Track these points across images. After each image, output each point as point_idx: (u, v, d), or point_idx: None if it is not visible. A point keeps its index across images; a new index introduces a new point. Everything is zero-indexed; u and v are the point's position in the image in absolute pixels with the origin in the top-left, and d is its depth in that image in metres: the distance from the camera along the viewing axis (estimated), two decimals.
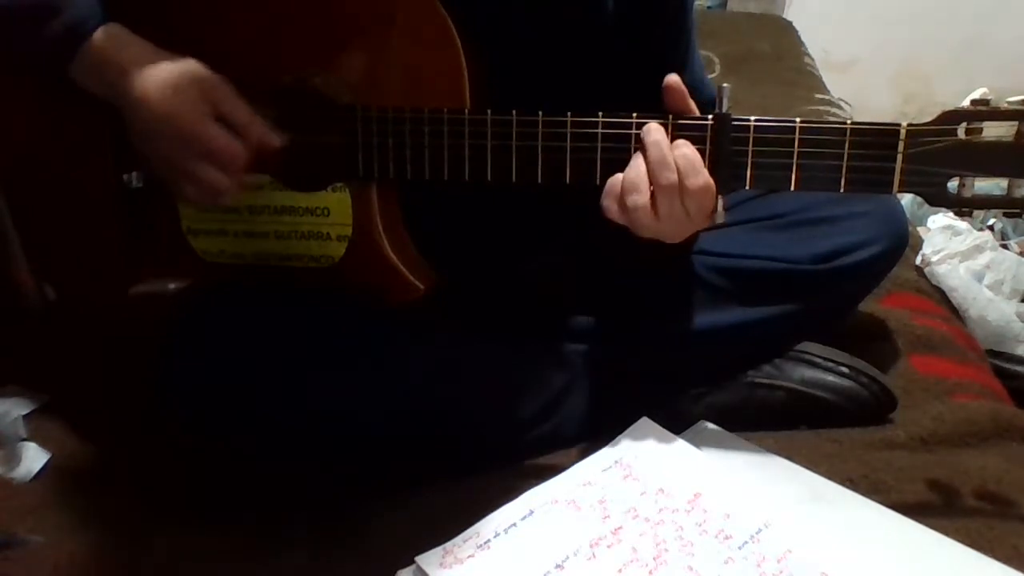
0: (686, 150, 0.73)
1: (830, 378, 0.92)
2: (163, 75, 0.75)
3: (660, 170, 0.73)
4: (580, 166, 0.77)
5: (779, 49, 2.10)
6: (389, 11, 0.78)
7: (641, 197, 0.73)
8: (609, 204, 0.75)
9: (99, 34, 0.75)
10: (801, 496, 0.79)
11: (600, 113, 0.76)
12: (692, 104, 0.76)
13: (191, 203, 0.83)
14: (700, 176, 0.73)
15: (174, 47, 0.76)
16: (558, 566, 0.72)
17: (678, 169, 0.73)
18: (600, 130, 0.76)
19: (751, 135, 0.74)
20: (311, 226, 0.84)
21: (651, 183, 0.73)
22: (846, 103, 2.00)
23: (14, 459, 0.87)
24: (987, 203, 0.76)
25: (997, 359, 1.29)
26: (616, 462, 0.83)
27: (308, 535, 0.79)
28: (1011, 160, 0.72)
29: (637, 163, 0.74)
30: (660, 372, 0.92)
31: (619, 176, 0.75)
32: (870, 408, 0.92)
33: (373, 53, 0.79)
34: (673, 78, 0.75)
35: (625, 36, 0.85)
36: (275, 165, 0.82)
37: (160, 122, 0.75)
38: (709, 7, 2.60)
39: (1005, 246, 1.60)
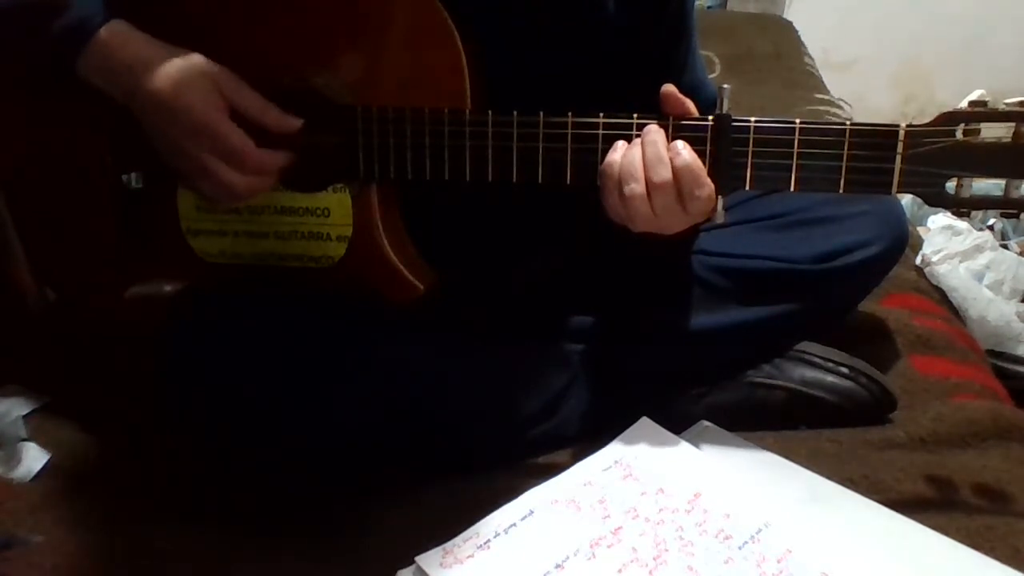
0: (686, 157, 0.73)
1: (830, 378, 0.92)
2: (173, 70, 0.75)
3: (655, 166, 0.73)
4: (581, 166, 0.77)
5: (779, 49, 2.10)
6: (389, 11, 0.78)
7: (638, 186, 0.73)
8: (609, 194, 0.75)
9: (104, 31, 0.75)
10: (801, 496, 0.79)
11: (600, 113, 0.76)
12: (691, 107, 0.76)
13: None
14: (701, 184, 0.73)
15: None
16: (558, 566, 0.72)
17: (676, 174, 0.73)
18: (600, 131, 0.76)
19: (751, 135, 0.74)
20: (311, 226, 0.84)
21: (646, 179, 0.73)
22: (846, 103, 2.00)
23: (14, 459, 0.87)
24: (985, 203, 0.77)
25: (997, 359, 1.29)
26: (616, 462, 0.83)
27: (307, 535, 0.79)
28: (1008, 161, 0.72)
29: (634, 152, 0.74)
30: (660, 372, 0.92)
31: (615, 158, 0.75)
32: (870, 408, 0.92)
33: (373, 53, 0.79)
34: (668, 87, 0.75)
35: (625, 36, 0.85)
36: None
37: (174, 118, 0.75)
38: (709, 7, 2.60)
39: (1005, 246, 1.60)
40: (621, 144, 0.75)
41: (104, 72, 0.76)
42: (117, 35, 0.75)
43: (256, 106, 0.77)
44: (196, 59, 0.75)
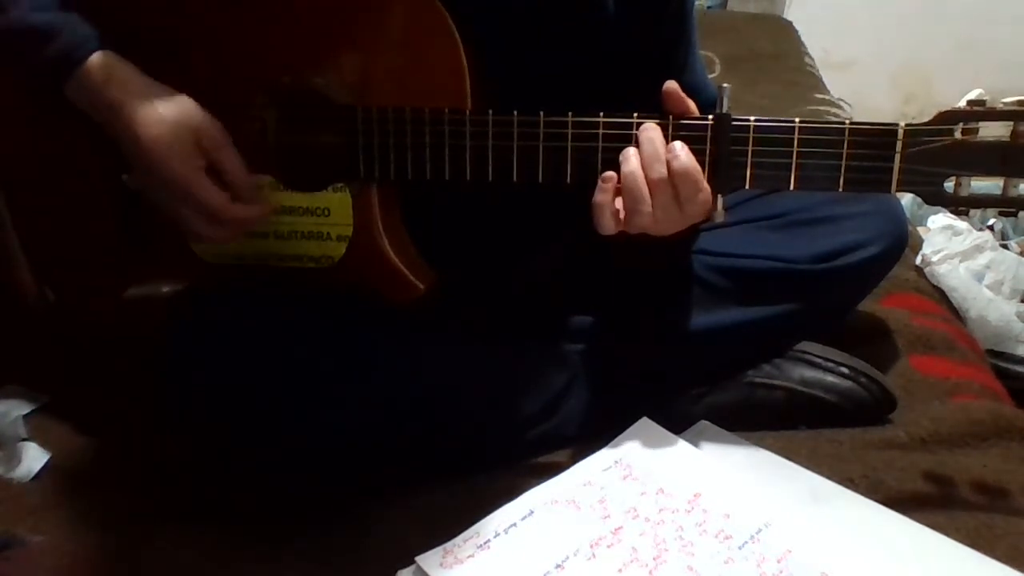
0: (684, 160, 0.73)
1: (830, 378, 0.92)
2: (156, 118, 0.74)
3: (652, 164, 0.73)
4: (580, 166, 0.77)
5: (779, 49, 2.11)
6: (389, 11, 0.78)
7: (645, 205, 0.73)
8: (603, 204, 0.75)
9: (93, 61, 0.75)
10: (801, 496, 0.79)
11: (600, 113, 0.76)
12: (692, 107, 0.76)
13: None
14: (699, 188, 0.73)
15: (172, 49, 0.76)
16: (558, 566, 0.72)
17: (674, 178, 0.73)
18: (600, 130, 0.76)
19: (751, 135, 0.74)
20: (311, 226, 0.84)
21: (644, 177, 0.73)
22: (846, 103, 2.00)
23: (14, 459, 0.87)
24: (983, 202, 0.77)
25: (997, 359, 1.29)
26: (616, 462, 0.83)
27: (308, 535, 0.79)
28: (1007, 160, 0.72)
29: (631, 161, 0.74)
30: (660, 372, 0.92)
31: (612, 171, 0.75)
32: (870, 408, 0.92)
33: (373, 53, 0.79)
34: (671, 84, 0.75)
35: (625, 36, 0.85)
36: (276, 166, 0.82)
37: (153, 167, 0.75)
38: (709, 7, 2.60)
39: (1005, 246, 1.60)
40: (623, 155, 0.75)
41: (90, 105, 0.76)
42: (101, 69, 0.75)
43: (234, 170, 0.78)
44: (182, 108, 0.75)
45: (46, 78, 0.75)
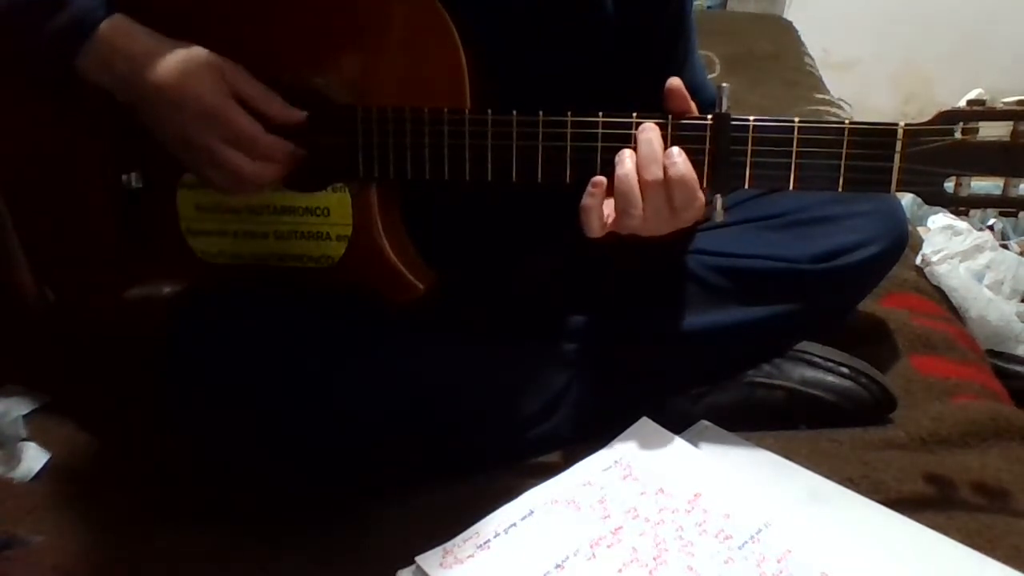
0: (681, 168, 0.73)
1: (830, 378, 0.92)
2: (178, 60, 0.75)
3: (648, 165, 0.73)
4: (580, 166, 0.77)
5: (779, 49, 2.11)
6: (389, 11, 0.78)
7: (636, 208, 0.73)
8: (593, 206, 0.75)
9: (105, 25, 0.75)
10: (801, 496, 0.79)
11: (600, 113, 0.76)
12: (694, 106, 0.76)
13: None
14: (694, 196, 0.73)
15: None
16: (558, 566, 0.72)
17: (669, 184, 0.73)
18: (600, 130, 0.76)
19: (750, 135, 0.74)
20: (311, 226, 0.84)
21: (639, 178, 0.73)
22: (846, 103, 2.00)
23: (14, 459, 0.87)
24: (983, 202, 0.77)
25: (997, 359, 1.29)
26: (616, 462, 0.83)
27: (308, 535, 0.79)
28: (1006, 160, 0.72)
29: (627, 168, 0.74)
30: (660, 372, 0.92)
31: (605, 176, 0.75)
32: (870, 408, 0.92)
33: (373, 53, 0.79)
34: (675, 81, 0.75)
35: (625, 36, 0.85)
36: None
37: (181, 106, 0.75)
38: (709, 7, 2.60)
39: (1005, 246, 1.60)
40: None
41: (106, 66, 0.76)
42: (119, 28, 0.75)
43: (260, 95, 0.77)
44: (199, 49, 0.76)
45: (61, 47, 0.75)
